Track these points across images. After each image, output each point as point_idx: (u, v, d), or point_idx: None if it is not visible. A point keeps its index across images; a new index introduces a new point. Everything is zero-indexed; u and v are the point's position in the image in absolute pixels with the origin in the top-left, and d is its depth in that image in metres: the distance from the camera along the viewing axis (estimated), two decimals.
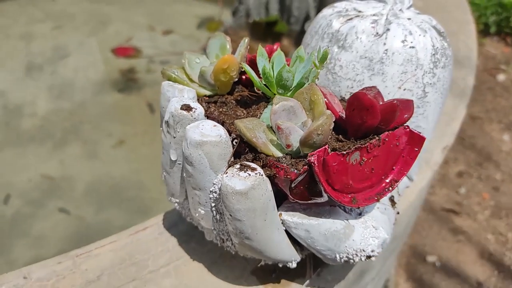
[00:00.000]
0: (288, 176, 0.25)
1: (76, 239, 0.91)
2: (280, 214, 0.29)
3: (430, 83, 0.34)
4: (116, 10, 1.41)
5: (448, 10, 0.72)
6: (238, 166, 0.25)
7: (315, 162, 0.24)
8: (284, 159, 0.26)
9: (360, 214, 0.31)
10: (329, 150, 0.25)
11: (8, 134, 1.08)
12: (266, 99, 0.33)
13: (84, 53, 1.28)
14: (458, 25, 0.68)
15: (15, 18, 1.39)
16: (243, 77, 0.35)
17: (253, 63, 0.34)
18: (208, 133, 0.25)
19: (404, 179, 0.38)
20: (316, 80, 0.35)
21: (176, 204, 0.34)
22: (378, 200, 0.28)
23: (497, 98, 1.53)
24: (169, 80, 0.33)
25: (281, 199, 0.30)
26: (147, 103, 1.15)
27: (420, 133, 0.28)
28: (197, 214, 0.30)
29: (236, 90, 0.35)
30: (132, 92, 1.19)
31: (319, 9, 1.16)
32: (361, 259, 0.30)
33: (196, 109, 0.27)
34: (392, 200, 0.34)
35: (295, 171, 0.25)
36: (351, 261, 0.30)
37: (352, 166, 0.26)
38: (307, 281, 0.35)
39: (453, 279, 1.07)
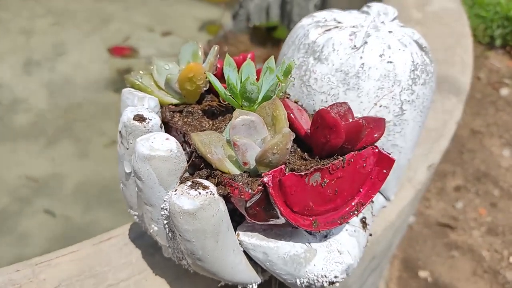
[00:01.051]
0: (242, 196, 0.23)
1: (62, 240, 0.90)
2: (238, 234, 0.27)
3: (409, 100, 0.32)
4: (118, 9, 1.40)
5: (446, 22, 0.70)
6: (189, 183, 0.24)
7: (270, 183, 0.23)
8: (240, 177, 0.24)
9: (325, 237, 0.29)
10: (287, 170, 0.24)
11: (1, 129, 1.07)
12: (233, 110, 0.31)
13: (83, 51, 1.27)
14: (455, 38, 0.66)
15: (16, 13, 1.38)
16: None
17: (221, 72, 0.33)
18: (157, 147, 0.23)
19: (380, 198, 0.36)
20: (290, 92, 0.33)
21: (135, 217, 0.32)
22: (341, 224, 0.27)
23: (499, 112, 1.50)
24: (132, 87, 0.31)
25: (241, 217, 0.28)
26: None
27: (389, 154, 0.27)
28: (151, 230, 0.28)
29: (205, 99, 0.33)
30: None
31: None
32: (323, 285, 0.28)
33: (150, 120, 0.25)
34: (363, 221, 0.32)
35: (249, 191, 0.23)
36: (313, 286, 0.28)
37: (313, 188, 0.25)
38: None
39: None
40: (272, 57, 0.30)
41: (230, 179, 0.24)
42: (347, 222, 0.28)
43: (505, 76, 1.66)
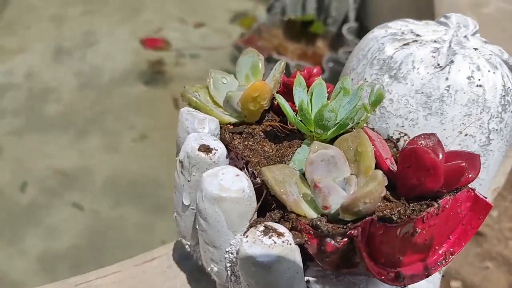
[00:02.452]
0: (323, 248, 0.20)
1: (89, 234, 0.88)
2: (308, 281, 0.24)
3: (497, 129, 0.29)
4: None
5: (503, 26, 0.65)
6: (261, 228, 0.21)
7: (359, 237, 0.19)
8: (319, 222, 0.21)
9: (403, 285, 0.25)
10: (376, 221, 0.20)
11: (31, 118, 1.06)
12: (300, 135, 0.28)
13: (114, 40, 1.25)
14: None
15: (48, 0, 1.36)
16: (276, 102, 0.30)
17: (288, 88, 0.29)
18: (228, 186, 0.20)
19: None
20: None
21: (187, 246, 0.29)
22: (427, 277, 0.23)
23: None
24: (189, 105, 0.28)
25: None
26: (172, 98, 1.11)
27: (486, 198, 0.23)
28: (209, 269, 0.25)
29: (266, 118, 0.30)
30: (158, 85, 1.15)
31: (359, 11, 1.09)
32: None
33: (216, 150, 0.22)
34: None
35: (332, 242, 0.20)
36: None
37: (402, 238, 0.21)
38: None
39: (484, 285, 1.00)
40: (348, 77, 0.27)
41: (307, 225, 0.21)
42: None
43: None
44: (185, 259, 0.36)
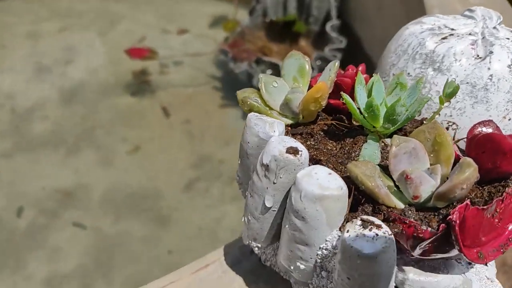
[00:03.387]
0: (420, 235, 0.21)
1: (94, 252, 0.87)
2: None
3: None
4: (125, 8, 1.36)
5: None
6: (359, 222, 0.22)
7: (457, 220, 0.21)
8: (410, 212, 0.22)
9: (470, 264, 0.27)
10: (470, 205, 0.22)
11: (18, 139, 1.03)
12: (359, 132, 0.29)
13: (94, 53, 1.23)
14: None
15: (20, 16, 1.33)
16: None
17: (337, 87, 0.31)
18: (327, 184, 0.21)
19: None
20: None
21: (256, 248, 0.30)
22: (503, 253, 0.25)
23: None
24: (251, 110, 0.29)
25: None
26: (161, 107, 1.11)
27: None
28: (292, 267, 0.26)
29: (319, 118, 0.31)
30: (146, 95, 1.14)
31: (340, 9, 1.11)
32: None
33: (301, 151, 0.23)
34: None
35: (429, 229, 0.21)
36: None
37: (486, 219, 0.23)
38: None
39: None
40: (403, 73, 0.28)
41: (400, 215, 0.22)
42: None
43: None
44: (238, 263, 0.36)
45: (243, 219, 0.29)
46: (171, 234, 0.90)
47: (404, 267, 0.25)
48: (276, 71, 1.05)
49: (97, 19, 1.32)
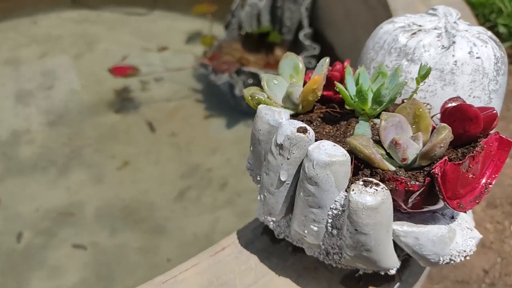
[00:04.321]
0: (411, 189, 0.27)
1: (94, 266, 0.89)
2: None
3: (494, 90, 0.37)
4: (102, 30, 1.40)
5: None
6: (361, 182, 0.27)
7: (439, 174, 0.26)
8: (400, 172, 0.28)
9: (452, 218, 0.33)
10: (448, 160, 0.27)
11: (7, 164, 1.05)
12: (350, 115, 0.34)
13: (75, 75, 1.26)
14: None
15: None
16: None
17: (328, 81, 0.36)
18: (333, 153, 0.26)
19: None
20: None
21: (271, 223, 0.35)
22: (478, 203, 0.30)
23: None
24: (259, 103, 0.34)
25: None
26: (146, 122, 1.15)
27: (507, 137, 0.31)
28: (306, 231, 0.31)
29: (315, 107, 0.36)
30: (130, 111, 1.18)
31: (311, 18, 1.19)
32: (461, 260, 0.32)
33: (309, 130, 0.28)
34: None
35: (417, 183, 0.27)
36: (452, 262, 0.31)
37: (461, 174, 0.28)
38: (397, 284, 0.37)
39: (461, 270, 1.11)
40: (384, 63, 0.34)
41: (393, 174, 0.28)
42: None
43: None
44: (251, 244, 0.41)
45: (258, 197, 0.34)
46: (168, 243, 0.93)
47: (400, 222, 0.30)
48: (256, 79, 1.10)
49: (75, 42, 1.36)
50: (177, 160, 1.06)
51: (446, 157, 0.27)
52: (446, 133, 0.26)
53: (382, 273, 0.33)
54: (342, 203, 0.28)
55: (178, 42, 1.34)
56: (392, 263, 0.31)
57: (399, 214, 0.31)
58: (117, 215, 0.97)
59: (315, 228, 0.30)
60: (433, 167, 0.26)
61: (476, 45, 0.36)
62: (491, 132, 0.31)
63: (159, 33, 1.38)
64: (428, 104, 0.36)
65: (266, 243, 0.41)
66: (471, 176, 0.29)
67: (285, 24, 1.21)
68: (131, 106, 1.18)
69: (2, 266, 0.88)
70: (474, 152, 0.28)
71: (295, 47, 1.20)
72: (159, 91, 1.21)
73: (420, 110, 0.29)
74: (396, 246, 0.32)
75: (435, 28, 0.38)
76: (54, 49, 1.34)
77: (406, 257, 0.38)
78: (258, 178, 0.36)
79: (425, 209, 0.29)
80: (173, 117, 1.15)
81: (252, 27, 1.22)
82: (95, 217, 0.97)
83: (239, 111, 1.11)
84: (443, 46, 0.36)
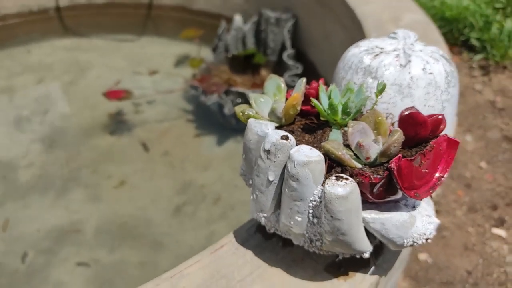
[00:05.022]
0: (374, 181, 0.34)
1: (96, 282, 0.94)
2: None
3: (446, 99, 0.44)
4: (94, 56, 1.47)
5: (419, 32, 0.84)
6: (334, 177, 0.34)
7: (395, 167, 0.33)
8: (365, 168, 0.35)
9: (414, 207, 0.39)
10: (402, 157, 0.34)
11: (7, 188, 1.10)
12: (325, 125, 0.41)
13: (70, 100, 1.32)
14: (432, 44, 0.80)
15: None
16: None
17: (305, 97, 0.43)
18: (310, 154, 0.33)
19: None
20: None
21: (263, 219, 0.41)
22: (431, 193, 0.37)
23: None
24: (248, 118, 0.40)
25: None
26: (140, 142, 1.21)
27: (454, 138, 0.38)
28: (291, 222, 0.37)
29: (296, 120, 0.43)
30: (124, 133, 1.24)
31: (293, 40, 1.27)
32: (422, 242, 0.38)
33: (290, 137, 0.35)
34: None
35: (378, 176, 0.34)
36: (415, 244, 0.38)
37: (415, 168, 0.35)
38: (371, 269, 0.43)
39: (446, 272, 1.18)
40: (351, 81, 0.41)
41: (359, 170, 0.34)
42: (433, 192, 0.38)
43: None
44: (246, 241, 0.47)
45: (251, 197, 0.40)
46: (167, 256, 0.99)
47: (369, 211, 0.37)
48: (244, 99, 1.18)
49: (68, 69, 1.42)
50: (171, 177, 1.12)
51: (400, 154, 0.34)
52: (398, 135, 0.33)
53: (358, 257, 0.40)
54: (319, 195, 0.35)
55: (168, 65, 1.41)
56: (365, 246, 0.38)
57: (368, 205, 0.38)
58: (116, 232, 1.02)
59: (299, 219, 0.36)
60: (390, 162, 0.33)
61: (429, 63, 0.44)
62: (440, 134, 0.38)
63: (149, 58, 1.45)
64: (390, 114, 0.43)
65: (259, 240, 0.47)
66: (424, 170, 0.36)
67: (269, 46, 1.29)
68: (125, 128, 1.25)
69: (8, 285, 0.92)
70: (424, 150, 0.35)
71: (280, 67, 1.28)
72: (151, 113, 1.27)
73: (379, 118, 0.36)
74: (369, 234, 0.39)
75: (394, 50, 0.45)
76: (48, 76, 1.40)
77: (379, 245, 0.45)
78: (250, 182, 0.42)
79: (388, 199, 0.36)
80: (166, 137, 1.21)
81: (238, 49, 1.30)
82: (95, 234, 1.02)
83: (229, 129, 1.18)
84: (401, 64, 0.44)
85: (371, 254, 0.44)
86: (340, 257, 0.41)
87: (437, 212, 1.32)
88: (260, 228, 0.48)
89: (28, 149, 1.19)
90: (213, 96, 1.15)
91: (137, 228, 1.03)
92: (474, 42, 1.94)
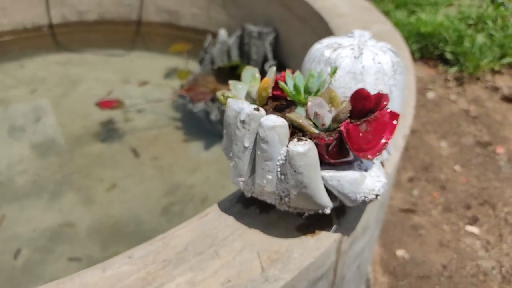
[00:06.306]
0: (328, 142, 0.43)
1: None
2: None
3: (393, 84, 0.54)
4: (85, 70, 1.56)
5: (385, 40, 0.95)
6: (296, 139, 0.43)
7: (344, 130, 0.42)
8: (322, 133, 0.44)
9: (366, 170, 0.48)
10: (350, 122, 0.43)
11: (4, 192, 1.17)
12: (291, 104, 0.51)
13: (62, 111, 1.41)
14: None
15: None
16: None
17: (275, 83, 0.52)
18: (276, 120, 0.42)
19: (386, 153, 0.57)
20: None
21: (241, 183, 0.50)
22: (378, 155, 0.46)
23: (429, 112, 1.81)
24: (228, 97, 0.50)
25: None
26: (131, 149, 1.29)
27: (395, 111, 0.47)
28: (264, 181, 0.46)
29: (268, 102, 0.52)
30: (115, 140, 1.32)
31: (274, 51, 1.37)
32: (372, 198, 0.47)
33: (261, 109, 0.44)
34: (382, 163, 0.52)
35: (331, 138, 0.43)
36: (366, 199, 0.47)
37: (362, 133, 0.44)
38: (333, 227, 0.52)
39: (422, 267, 1.27)
40: (312, 70, 0.50)
41: (317, 134, 0.44)
42: (380, 155, 0.47)
43: (428, 82, 2.00)
44: (228, 209, 0.56)
45: (231, 164, 0.49)
46: None
47: (327, 170, 0.46)
48: None
49: (60, 82, 1.51)
50: (161, 180, 1.20)
51: (348, 120, 0.43)
52: (345, 104, 0.42)
53: (320, 212, 0.48)
54: (285, 155, 0.43)
55: (157, 77, 1.51)
56: (325, 201, 0.47)
57: (327, 166, 0.47)
58: (107, 230, 1.10)
59: (270, 177, 0.45)
60: (339, 126, 0.42)
61: (378, 54, 0.54)
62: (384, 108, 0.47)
63: (139, 71, 1.55)
64: (346, 97, 0.53)
65: (240, 208, 0.56)
66: (371, 136, 0.46)
67: (252, 58, 1.39)
68: (116, 135, 1.33)
69: (3, 281, 0.99)
70: (369, 118, 0.45)
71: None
72: (141, 121, 1.36)
73: (333, 94, 0.45)
74: (330, 195, 0.48)
75: (350, 45, 0.55)
76: (41, 89, 1.49)
77: (340, 207, 0.54)
78: (230, 155, 0.51)
79: (342, 160, 0.45)
80: (155, 143, 1.30)
81: (223, 61, 1.40)
82: (88, 233, 1.09)
83: (215, 134, 1.27)
84: (355, 56, 0.54)
85: (334, 214, 0.53)
86: (306, 214, 0.50)
87: (413, 212, 1.41)
88: (240, 199, 0.57)
89: (22, 157, 1.26)
90: (200, 104, 1.24)
91: (128, 227, 1.10)
92: (449, 55, 2.08)
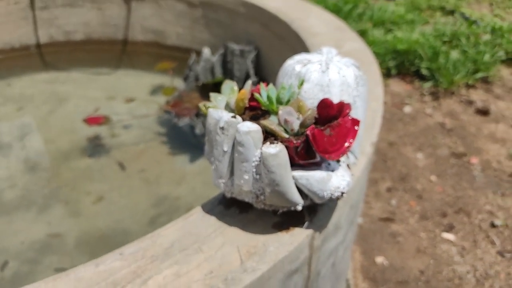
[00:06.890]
0: (296, 145, 0.49)
1: None
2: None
3: (357, 95, 0.61)
4: (72, 88, 1.61)
5: (357, 57, 1.03)
6: (268, 143, 0.49)
7: (309, 134, 0.49)
8: (291, 137, 0.50)
9: (332, 171, 0.55)
10: (315, 127, 0.50)
11: None
12: (267, 113, 0.57)
13: (49, 127, 1.46)
14: (366, 67, 0.98)
15: None
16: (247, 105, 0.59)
17: (252, 96, 0.59)
18: (251, 126, 0.49)
19: (352, 157, 0.64)
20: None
21: (222, 184, 0.56)
22: (341, 156, 0.53)
23: (406, 126, 1.90)
24: (208, 107, 0.56)
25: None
26: (117, 163, 1.34)
27: (357, 118, 0.54)
28: (242, 181, 0.52)
29: (245, 112, 0.59)
30: (102, 155, 1.37)
31: (256, 68, 1.45)
32: (338, 195, 0.54)
33: (237, 117, 0.51)
34: (348, 165, 0.59)
35: (299, 141, 0.49)
36: (332, 196, 0.53)
37: (327, 137, 0.51)
38: (305, 223, 0.59)
39: (401, 272, 1.33)
40: (283, 83, 0.57)
41: (287, 138, 0.50)
42: (345, 156, 0.54)
43: (405, 97, 2.09)
44: (211, 211, 0.62)
45: (212, 167, 0.55)
46: None
47: (297, 170, 0.52)
48: None
49: (47, 100, 1.56)
50: (147, 192, 1.25)
51: (313, 125, 0.50)
52: (311, 111, 0.49)
53: (293, 209, 0.55)
54: (259, 156, 0.50)
55: (143, 94, 1.57)
56: (296, 198, 0.53)
57: (297, 167, 0.53)
58: (95, 242, 1.14)
59: (247, 177, 0.52)
60: (306, 130, 0.49)
61: (342, 69, 0.61)
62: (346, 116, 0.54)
63: (125, 88, 1.61)
64: (315, 107, 0.60)
65: (221, 209, 0.62)
66: (335, 140, 0.52)
67: (235, 75, 1.47)
68: (102, 150, 1.38)
69: None
70: (332, 124, 0.51)
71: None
72: (128, 136, 1.42)
73: (301, 103, 0.52)
74: (301, 194, 0.54)
75: (318, 61, 0.62)
76: (28, 106, 1.54)
77: (312, 206, 0.60)
78: (212, 159, 0.57)
79: (311, 161, 0.51)
80: (142, 157, 1.35)
81: (207, 78, 1.47)
82: (76, 245, 1.13)
83: (200, 147, 1.33)
84: (322, 71, 0.61)
85: (306, 212, 0.60)
86: (281, 211, 0.56)
87: (392, 221, 1.48)
88: (221, 201, 0.63)
89: (10, 172, 1.31)
90: (185, 119, 1.31)
91: (115, 238, 1.15)
92: (424, 71, 2.18)
